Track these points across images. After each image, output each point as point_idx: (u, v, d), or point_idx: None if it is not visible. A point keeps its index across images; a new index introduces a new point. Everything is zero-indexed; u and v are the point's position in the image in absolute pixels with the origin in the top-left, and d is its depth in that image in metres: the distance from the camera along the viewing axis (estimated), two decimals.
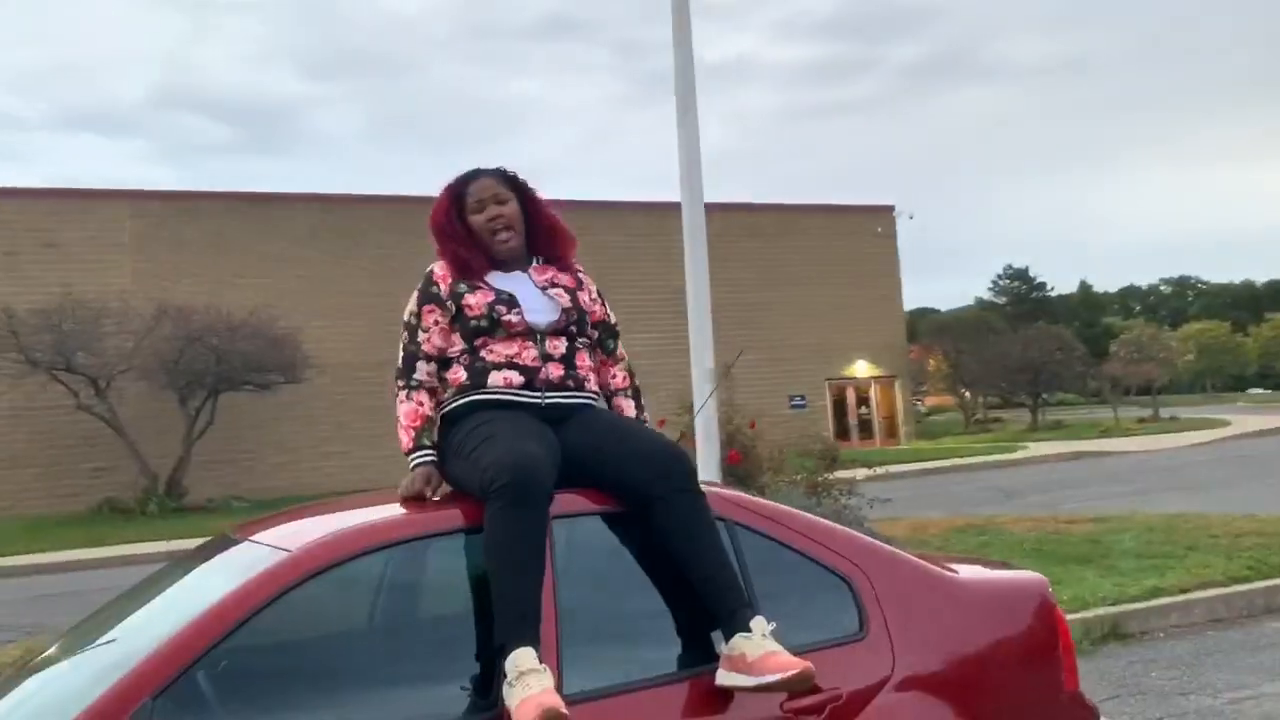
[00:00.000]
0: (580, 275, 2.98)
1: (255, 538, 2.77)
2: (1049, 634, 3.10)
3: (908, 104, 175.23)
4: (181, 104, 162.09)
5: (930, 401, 49.02)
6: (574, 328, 2.85)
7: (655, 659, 2.62)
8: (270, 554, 2.48)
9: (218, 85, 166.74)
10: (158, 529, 18.17)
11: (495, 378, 2.74)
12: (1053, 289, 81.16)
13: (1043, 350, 31.51)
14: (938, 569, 3.08)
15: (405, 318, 2.89)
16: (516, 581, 2.38)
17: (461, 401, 2.77)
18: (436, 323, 2.83)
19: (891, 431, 31.23)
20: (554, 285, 2.88)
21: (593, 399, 2.88)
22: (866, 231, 31.95)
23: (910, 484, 17.66)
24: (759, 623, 2.51)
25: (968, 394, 39.43)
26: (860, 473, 9.16)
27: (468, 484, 2.60)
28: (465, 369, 2.78)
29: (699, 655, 2.60)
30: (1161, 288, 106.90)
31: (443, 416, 2.83)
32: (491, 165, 2.98)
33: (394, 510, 2.70)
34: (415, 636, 2.53)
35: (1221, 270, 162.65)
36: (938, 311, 66.38)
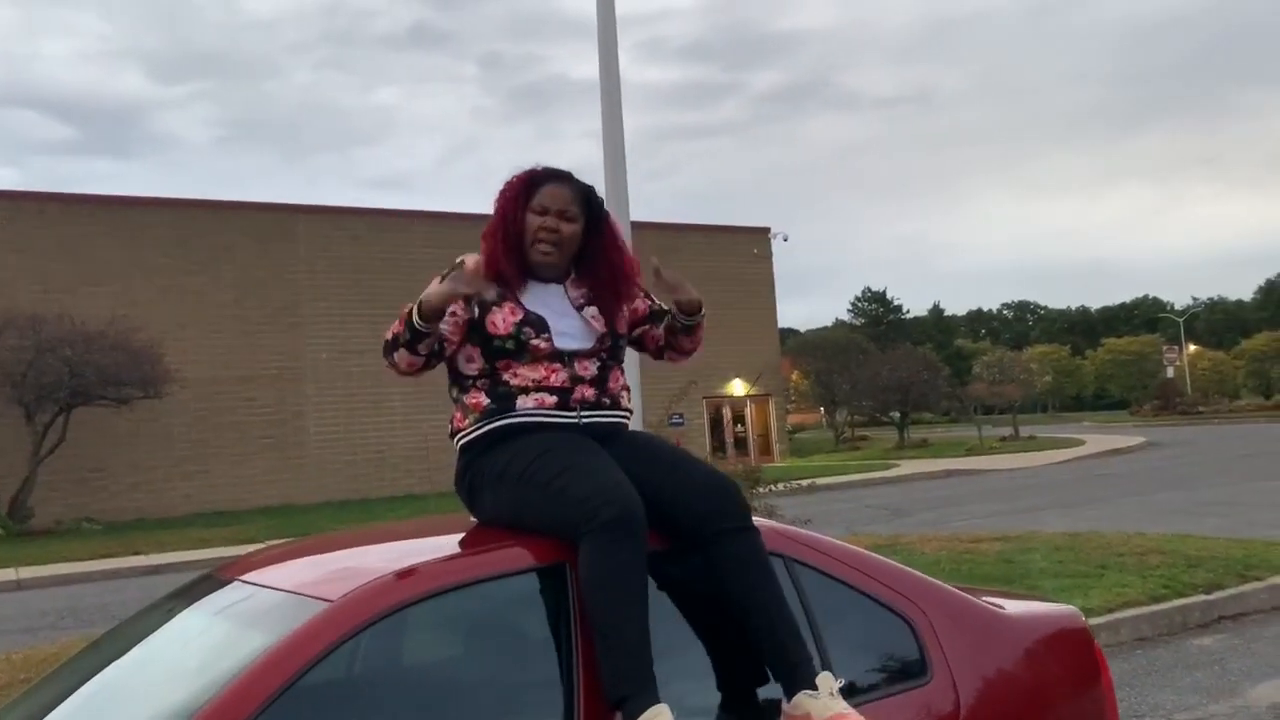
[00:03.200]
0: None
1: (260, 581, 2.44)
2: (1092, 669, 3.01)
3: (769, 130, 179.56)
4: (17, 100, 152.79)
5: (793, 419, 50.02)
6: (605, 353, 2.62)
7: (709, 714, 2.40)
8: (302, 603, 2.16)
9: (58, 83, 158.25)
10: (2, 555, 16.80)
11: (525, 401, 2.50)
12: (908, 311, 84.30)
13: (910, 371, 32.56)
14: (987, 605, 2.95)
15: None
16: (632, 627, 2.16)
17: (492, 426, 2.50)
18: (453, 314, 2.51)
19: (766, 449, 31.65)
20: (589, 304, 2.63)
21: (627, 418, 2.67)
22: (743, 252, 32.41)
23: (795, 502, 17.79)
24: (825, 679, 2.30)
25: (834, 412, 40.35)
26: (781, 486, 9.18)
27: (544, 518, 2.33)
28: (487, 394, 2.52)
29: (755, 714, 2.40)
30: (1004, 312, 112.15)
31: (467, 445, 2.56)
32: (584, 180, 2.68)
33: (427, 551, 2.41)
34: (479, 693, 2.23)
35: (1057, 297, 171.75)
36: (797, 332, 67.85)
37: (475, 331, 2.54)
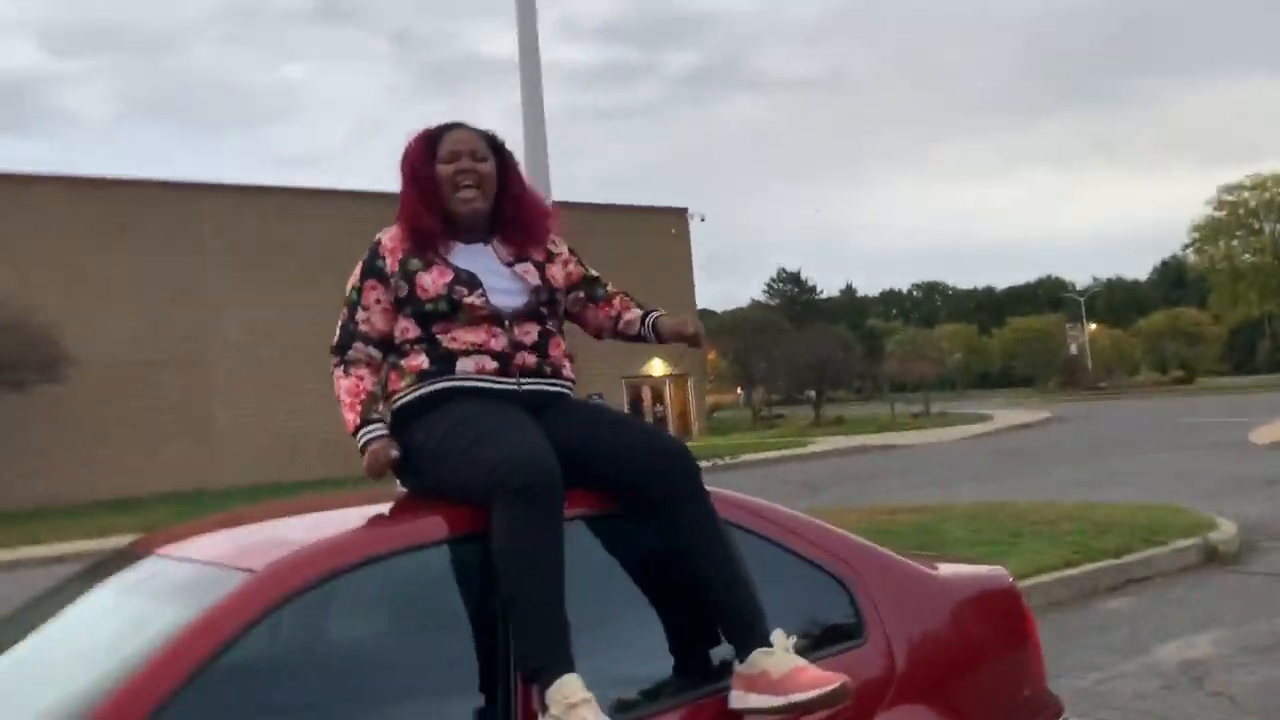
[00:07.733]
0: (551, 246, 2.65)
1: (178, 554, 2.33)
2: (1022, 627, 3.06)
3: (684, 111, 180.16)
4: None
5: (711, 399, 50.38)
6: (544, 309, 2.55)
7: (658, 681, 2.36)
8: (225, 575, 2.06)
9: None
10: None
11: (465, 363, 2.43)
12: (822, 292, 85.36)
13: (827, 349, 33.01)
14: (920, 566, 2.97)
15: (347, 291, 2.56)
16: (543, 595, 2.08)
17: (427, 390, 2.42)
18: (378, 301, 2.52)
19: (685, 428, 31.83)
20: (519, 260, 2.56)
21: (570, 387, 2.60)
22: (661, 232, 32.45)
23: (712, 479, 17.92)
24: (780, 636, 2.29)
25: (749, 391, 40.75)
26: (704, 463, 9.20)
27: (459, 486, 2.26)
28: (426, 355, 2.44)
29: (705, 675, 2.37)
30: (914, 293, 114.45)
31: (401, 409, 2.47)
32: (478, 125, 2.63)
33: (353, 521, 2.32)
34: (407, 665, 2.15)
35: (964, 276, 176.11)
36: (714, 313, 68.33)
37: (407, 302, 2.47)
